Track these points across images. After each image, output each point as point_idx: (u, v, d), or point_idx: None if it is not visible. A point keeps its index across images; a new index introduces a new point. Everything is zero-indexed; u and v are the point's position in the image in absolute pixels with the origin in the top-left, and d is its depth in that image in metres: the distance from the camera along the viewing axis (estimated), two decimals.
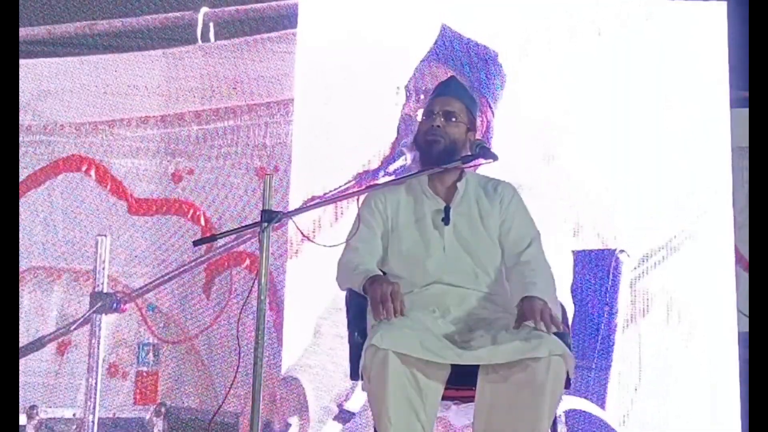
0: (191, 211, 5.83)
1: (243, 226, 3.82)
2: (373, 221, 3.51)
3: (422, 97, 5.27)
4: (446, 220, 3.47)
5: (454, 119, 3.51)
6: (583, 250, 5.23)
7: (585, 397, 5.05)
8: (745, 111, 4.99)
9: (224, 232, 4.07)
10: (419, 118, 3.65)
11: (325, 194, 4.78)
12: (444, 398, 3.21)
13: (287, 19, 5.78)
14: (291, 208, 5.08)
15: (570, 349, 3.18)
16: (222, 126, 5.89)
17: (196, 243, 3.48)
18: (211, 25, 6.05)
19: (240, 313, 3.53)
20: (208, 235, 5.73)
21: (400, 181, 3.57)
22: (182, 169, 5.91)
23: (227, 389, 4.10)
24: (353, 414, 5.08)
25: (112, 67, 6.12)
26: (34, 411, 4.89)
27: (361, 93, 5.41)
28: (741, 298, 5.19)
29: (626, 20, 5.46)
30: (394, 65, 5.39)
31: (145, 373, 5.20)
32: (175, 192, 5.91)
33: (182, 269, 4.79)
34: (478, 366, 3.15)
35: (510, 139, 5.29)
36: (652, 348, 5.20)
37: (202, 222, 5.80)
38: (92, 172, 6.02)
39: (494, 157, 3.49)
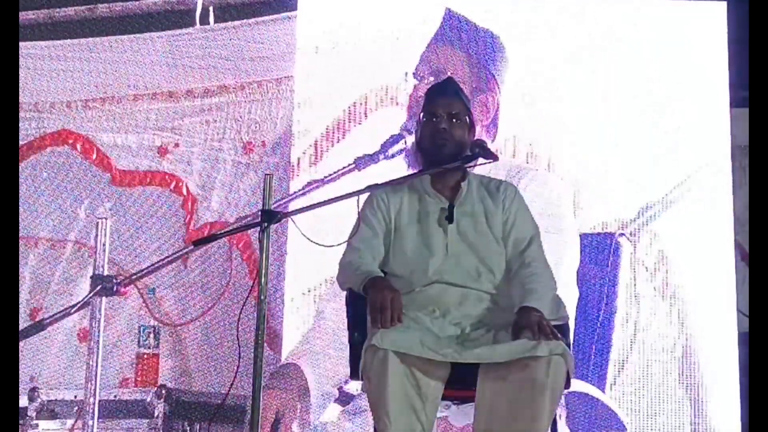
0: (174, 183, 5.90)
1: (243, 226, 3.82)
2: (374, 221, 3.51)
3: (432, 79, 5.28)
4: (450, 218, 3.47)
5: (457, 120, 3.51)
6: (583, 234, 5.25)
7: (585, 380, 5.06)
8: (745, 111, 4.99)
9: (224, 232, 4.07)
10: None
11: (324, 178, 4.80)
12: (444, 398, 3.22)
13: (286, 2, 5.81)
14: (291, 191, 5.14)
15: (570, 348, 3.19)
16: (211, 102, 5.96)
17: (195, 243, 3.49)
18: (211, 8, 6.09)
19: (240, 313, 3.53)
20: (189, 204, 5.81)
21: (401, 181, 3.57)
22: (169, 143, 5.96)
23: (227, 389, 4.10)
24: (353, 396, 5.10)
25: (107, 49, 6.18)
26: (35, 393, 4.92)
27: (361, 77, 5.45)
28: (741, 298, 5.19)
29: (626, 19, 5.46)
30: (395, 48, 5.44)
31: (145, 356, 5.23)
32: (160, 165, 5.97)
33: (181, 253, 4.80)
34: (478, 366, 3.16)
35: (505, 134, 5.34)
36: (651, 348, 5.21)
37: (184, 192, 5.86)
38: (78, 146, 6.08)
39: (494, 158, 3.50)
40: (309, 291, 5.26)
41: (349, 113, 5.43)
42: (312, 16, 5.55)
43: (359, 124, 5.43)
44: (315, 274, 5.22)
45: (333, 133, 5.42)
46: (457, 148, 3.49)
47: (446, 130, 3.49)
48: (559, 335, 3.19)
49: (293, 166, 5.43)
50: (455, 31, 5.45)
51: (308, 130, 5.43)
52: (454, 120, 3.51)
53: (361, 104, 5.44)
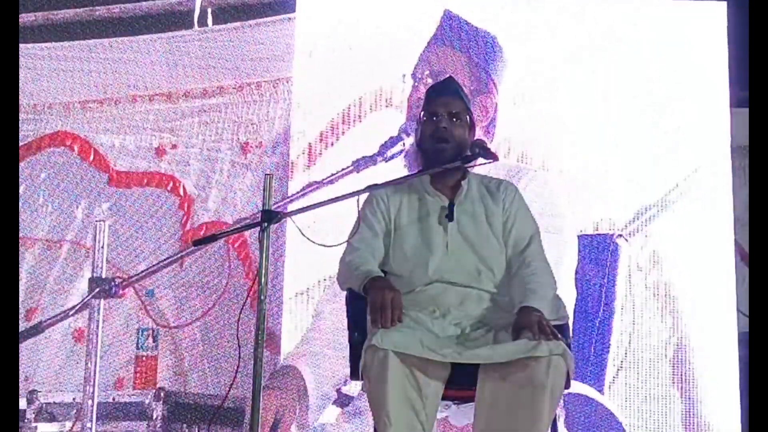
0: (171, 184, 5.91)
1: (243, 226, 3.81)
2: (374, 221, 3.50)
3: (430, 81, 5.28)
4: (450, 216, 3.46)
5: (458, 120, 3.50)
6: (582, 235, 5.25)
7: (583, 381, 5.06)
8: (745, 111, 4.99)
9: (224, 232, 4.06)
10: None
11: (323, 179, 4.80)
12: (444, 398, 3.21)
13: (285, 4, 5.82)
14: (289, 192, 5.13)
15: (570, 348, 3.18)
16: (209, 103, 5.99)
17: (195, 243, 3.48)
18: (209, 10, 6.11)
19: (240, 313, 3.52)
20: (185, 205, 5.82)
21: (401, 180, 3.56)
22: (166, 144, 5.98)
23: (227, 390, 4.09)
24: (352, 397, 5.09)
25: (105, 51, 6.20)
26: (34, 396, 4.92)
27: (358, 79, 5.45)
28: (741, 298, 5.19)
29: (626, 19, 5.45)
30: (393, 50, 5.45)
31: (144, 358, 5.22)
32: (158, 166, 5.98)
33: (182, 254, 4.80)
34: (478, 366, 3.15)
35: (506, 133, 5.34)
36: (649, 348, 5.20)
37: (182, 193, 5.88)
38: (76, 147, 6.10)
39: (495, 158, 3.49)
40: (306, 291, 5.26)
41: (346, 115, 5.43)
42: (310, 18, 5.55)
43: (356, 125, 5.43)
44: (314, 274, 5.22)
45: (329, 134, 5.42)
46: (457, 147, 3.47)
47: (447, 129, 3.48)
48: (559, 335, 3.18)
49: (291, 166, 5.42)
50: (454, 32, 5.45)
51: (305, 131, 5.43)
52: (454, 119, 3.50)
53: (358, 106, 5.44)
